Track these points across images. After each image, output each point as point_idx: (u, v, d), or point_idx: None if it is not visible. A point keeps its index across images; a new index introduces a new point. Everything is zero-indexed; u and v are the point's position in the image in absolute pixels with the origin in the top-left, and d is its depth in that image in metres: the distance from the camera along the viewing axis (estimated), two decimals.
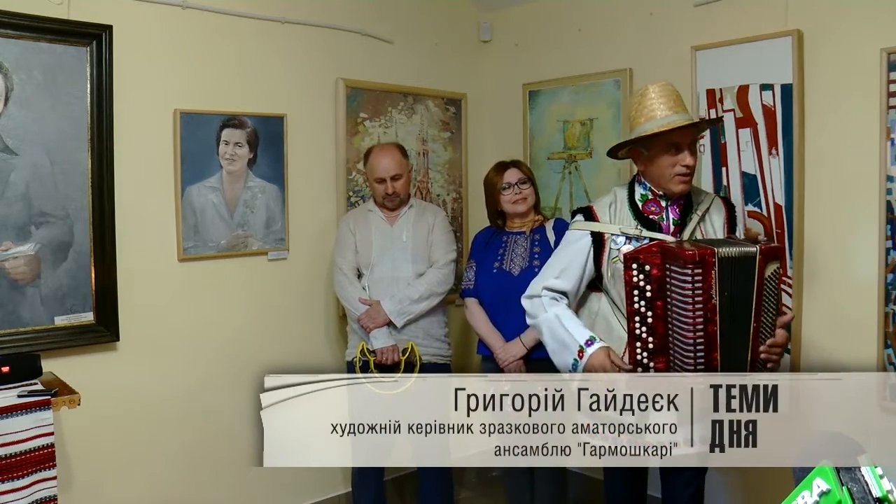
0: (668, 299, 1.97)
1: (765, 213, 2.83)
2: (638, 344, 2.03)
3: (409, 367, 2.92)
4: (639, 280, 1.99)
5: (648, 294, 1.98)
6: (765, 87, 2.80)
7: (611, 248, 2.16)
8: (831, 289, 2.78)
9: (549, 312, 2.19)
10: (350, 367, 2.98)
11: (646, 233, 2.13)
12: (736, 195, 2.91)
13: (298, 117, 3.19)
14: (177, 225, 2.93)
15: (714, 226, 2.20)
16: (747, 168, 2.85)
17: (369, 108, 3.38)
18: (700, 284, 1.90)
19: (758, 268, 1.92)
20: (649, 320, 1.97)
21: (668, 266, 1.95)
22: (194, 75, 2.94)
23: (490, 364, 2.86)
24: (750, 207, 2.87)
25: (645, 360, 2.02)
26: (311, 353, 3.27)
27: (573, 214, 2.36)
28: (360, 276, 3.03)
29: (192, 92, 2.93)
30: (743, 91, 2.86)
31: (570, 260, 2.24)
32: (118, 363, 2.83)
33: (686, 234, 2.13)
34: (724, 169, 2.92)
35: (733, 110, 2.88)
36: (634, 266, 1.99)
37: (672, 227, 2.14)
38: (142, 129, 2.83)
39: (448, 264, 3.02)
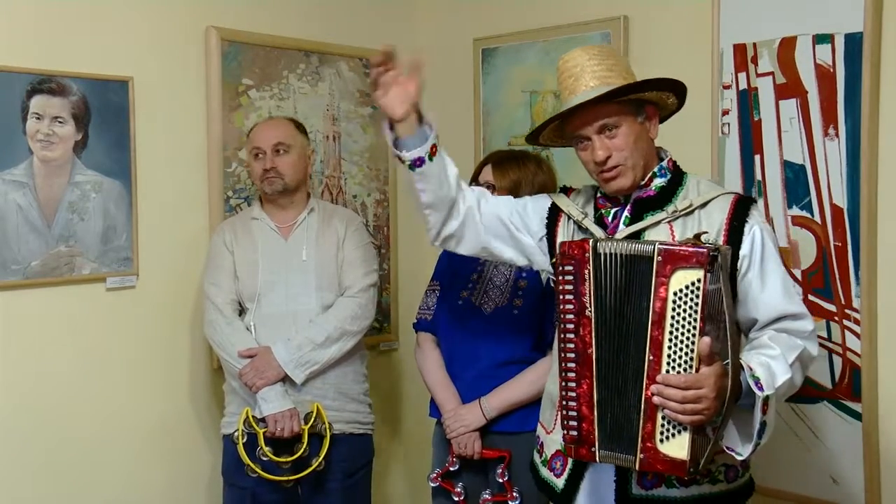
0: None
1: (817, 218, 2.61)
2: (566, 377, 1.95)
3: (316, 442, 2.67)
4: (567, 287, 1.95)
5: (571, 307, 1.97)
6: (820, 38, 2.59)
7: (561, 237, 2.17)
8: None
9: None
10: (229, 444, 2.73)
11: (585, 222, 2.13)
12: (775, 194, 2.70)
13: (151, 82, 2.92)
14: None
15: (703, 230, 2.05)
16: (792, 156, 2.66)
17: (255, 72, 3.18)
18: (571, 287, 1.91)
19: (656, 274, 1.84)
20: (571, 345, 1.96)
21: (558, 263, 1.97)
22: None
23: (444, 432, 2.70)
24: (795, 211, 2.64)
25: (571, 412, 1.93)
26: (172, 425, 3.00)
27: None
28: (242, 311, 2.84)
29: None
30: (787, 45, 2.65)
31: (518, 202, 2.28)
32: None
33: (625, 234, 2.07)
34: (756, 157, 2.72)
35: (772, 74, 2.67)
36: (564, 266, 1.95)
37: (622, 228, 2.11)
38: None
39: (366, 291, 2.84)
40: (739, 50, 2.73)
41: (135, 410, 2.88)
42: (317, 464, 2.60)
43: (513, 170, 2.61)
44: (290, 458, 2.59)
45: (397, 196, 3.56)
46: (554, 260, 2.07)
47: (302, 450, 2.59)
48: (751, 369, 1.83)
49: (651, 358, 1.85)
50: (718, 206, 2.08)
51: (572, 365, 1.92)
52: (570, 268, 1.93)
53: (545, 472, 2.10)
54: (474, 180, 2.64)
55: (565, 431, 1.91)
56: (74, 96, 2.72)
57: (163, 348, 2.97)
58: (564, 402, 1.92)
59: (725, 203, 2.08)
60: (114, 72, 2.79)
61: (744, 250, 1.98)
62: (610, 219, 2.13)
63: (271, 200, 2.80)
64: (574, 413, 1.90)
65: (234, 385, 2.73)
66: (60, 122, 2.70)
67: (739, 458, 1.84)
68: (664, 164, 2.10)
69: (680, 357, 1.84)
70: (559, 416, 2.02)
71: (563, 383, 1.92)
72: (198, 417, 3.05)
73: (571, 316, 1.92)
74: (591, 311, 1.91)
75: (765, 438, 1.83)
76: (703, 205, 2.08)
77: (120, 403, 2.85)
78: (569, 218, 2.17)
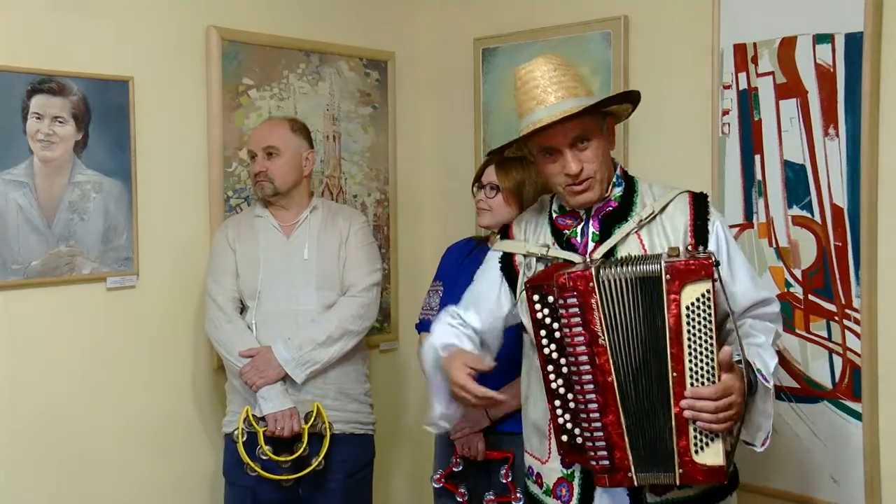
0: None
1: (817, 218, 2.59)
2: (557, 403, 1.95)
3: (316, 441, 2.68)
4: (544, 316, 1.94)
5: (557, 334, 1.94)
6: (820, 38, 2.57)
7: (525, 274, 2.12)
8: None
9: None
10: (230, 443, 2.73)
11: (553, 251, 2.08)
12: (775, 194, 2.68)
13: (151, 82, 2.91)
14: None
15: (669, 235, 2.07)
16: (792, 156, 2.64)
17: (256, 72, 3.16)
18: (578, 319, 1.87)
19: (667, 292, 1.83)
20: (564, 369, 1.94)
21: (557, 296, 1.93)
22: None
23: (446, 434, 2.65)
24: (795, 211, 2.63)
25: (569, 426, 1.95)
26: (173, 425, 2.98)
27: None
28: (243, 310, 2.84)
29: None
30: (787, 45, 2.63)
31: (480, 291, 2.22)
32: None
33: (600, 252, 2.05)
34: (757, 157, 2.70)
35: (773, 73, 2.65)
36: (536, 297, 1.95)
37: (592, 245, 2.08)
38: None
39: (368, 290, 2.84)
40: (739, 50, 2.71)
41: (135, 410, 2.86)
42: (316, 463, 2.59)
43: (516, 170, 2.59)
44: (289, 458, 2.58)
45: (397, 196, 3.55)
46: (522, 294, 2.04)
47: (301, 449, 2.60)
48: (753, 363, 1.84)
49: (674, 374, 1.84)
50: (678, 207, 2.09)
51: (592, 396, 1.89)
52: (574, 300, 1.89)
53: (551, 501, 2.08)
54: (477, 181, 2.64)
55: (594, 462, 1.88)
56: (74, 96, 2.70)
57: (163, 348, 2.95)
58: (588, 434, 1.89)
59: (683, 204, 2.09)
60: (114, 72, 2.78)
61: (711, 247, 2.00)
62: (578, 238, 2.11)
63: (269, 201, 2.80)
64: (603, 443, 1.88)
65: (236, 384, 2.74)
66: (60, 122, 2.69)
67: (757, 449, 1.87)
68: (617, 172, 2.10)
69: (702, 368, 1.84)
70: (553, 441, 2.00)
71: (584, 415, 1.89)
72: (199, 417, 3.03)
73: (583, 347, 1.89)
74: (604, 340, 1.88)
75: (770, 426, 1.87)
76: (663, 209, 2.08)
77: (120, 403, 2.83)
78: (524, 258, 2.14)
